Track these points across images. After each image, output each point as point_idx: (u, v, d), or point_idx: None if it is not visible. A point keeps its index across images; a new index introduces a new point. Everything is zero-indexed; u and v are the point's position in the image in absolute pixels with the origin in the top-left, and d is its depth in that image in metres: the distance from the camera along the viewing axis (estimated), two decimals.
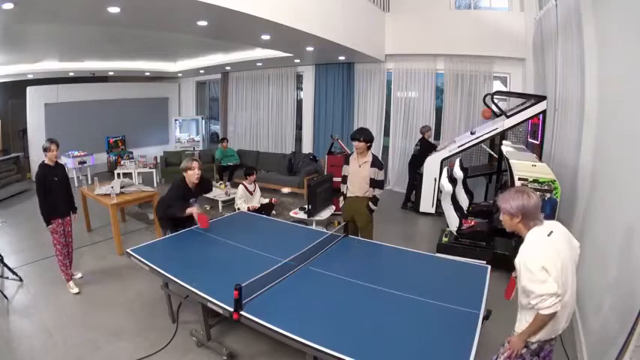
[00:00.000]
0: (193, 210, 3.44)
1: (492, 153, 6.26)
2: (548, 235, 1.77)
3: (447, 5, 6.85)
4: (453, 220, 4.14)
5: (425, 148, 6.12)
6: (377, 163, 3.63)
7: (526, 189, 1.85)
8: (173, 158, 8.48)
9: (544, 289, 1.62)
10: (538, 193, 3.53)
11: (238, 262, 2.95)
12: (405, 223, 5.86)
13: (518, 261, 1.74)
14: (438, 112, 7.21)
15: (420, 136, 6.33)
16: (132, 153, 9.31)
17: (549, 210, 3.59)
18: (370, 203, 3.64)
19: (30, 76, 8.20)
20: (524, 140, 5.74)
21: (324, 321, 2.12)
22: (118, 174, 7.63)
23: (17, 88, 8.31)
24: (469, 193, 4.78)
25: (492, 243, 4.13)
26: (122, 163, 8.45)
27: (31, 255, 4.37)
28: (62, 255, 3.63)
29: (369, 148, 3.65)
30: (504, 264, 3.83)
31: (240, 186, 5.08)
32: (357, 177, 3.67)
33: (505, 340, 1.88)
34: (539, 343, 1.79)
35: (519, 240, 1.86)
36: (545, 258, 1.68)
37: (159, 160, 8.56)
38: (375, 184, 3.62)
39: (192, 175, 3.46)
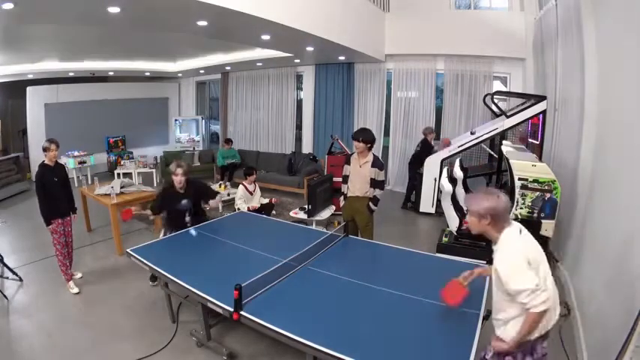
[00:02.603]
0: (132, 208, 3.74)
1: (492, 153, 6.27)
2: (520, 233, 1.75)
3: (447, 5, 6.85)
4: (453, 220, 4.14)
5: (425, 149, 6.12)
6: (377, 164, 3.63)
7: (496, 190, 1.78)
8: (173, 158, 8.45)
9: (534, 283, 1.58)
10: (538, 193, 3.57)
11: (238, 262, 2.95)
12: (405, 223, 5.86)
13: (501, 263, 1.68)
14: (438, 112, 7.21)
15: (422, 137, 6.31)
16: (132, 153, 9.32)
17: (549, 210, 3.59)
18: (370, 203, 3.65)
19: (30, 76, 8.19)
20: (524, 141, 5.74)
21: (323, 321, 2.12)
22: (118, 174, 7.65)
23: (17, 88, 8.31)
24: (469, 193, 4.78)
25: None
26: (122, 163, 8.46)
27: (31, 255, 4.37)
28: (62, 255, 3.63)
29: (369, 148, 3.65)
30: None
31: (240, 186, 5.07)
32: (357, 177, 3.67)
33: (490, 344, 1.83)
34: (531, 342, 1.74)
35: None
36: (527, 253, 1.66)
37: (159, 160, 8.55)
38: (375, 184, 3.63)
39: (175, 181, 3.52)
